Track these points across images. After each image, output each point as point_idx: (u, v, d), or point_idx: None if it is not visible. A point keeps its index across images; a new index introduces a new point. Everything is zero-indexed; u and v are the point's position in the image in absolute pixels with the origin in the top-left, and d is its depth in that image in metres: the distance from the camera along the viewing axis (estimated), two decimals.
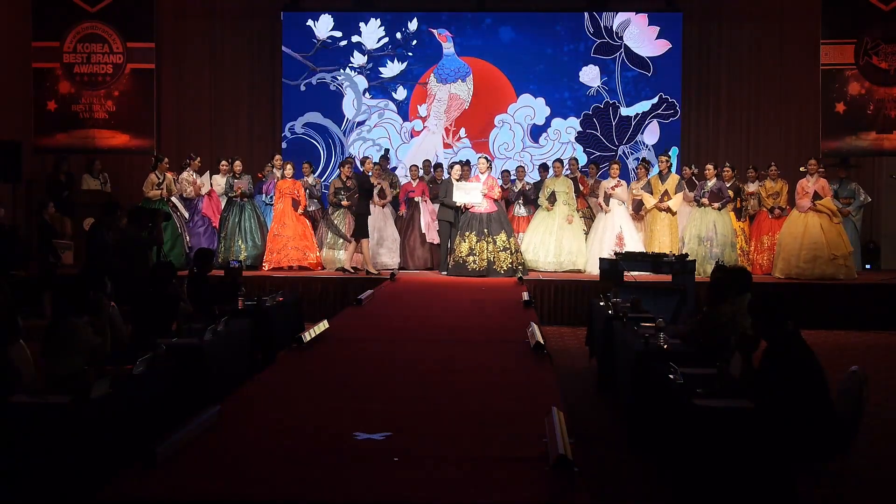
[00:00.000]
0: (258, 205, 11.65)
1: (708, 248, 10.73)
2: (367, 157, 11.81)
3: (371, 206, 11.34)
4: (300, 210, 11.24)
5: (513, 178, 12.37)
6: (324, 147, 14.01)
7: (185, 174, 11.53)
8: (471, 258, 10.79)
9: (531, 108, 14.03)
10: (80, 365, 4.55)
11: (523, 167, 12.47)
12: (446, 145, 14.01)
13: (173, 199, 11.33)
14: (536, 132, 14.04)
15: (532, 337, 5.78)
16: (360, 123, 14.08)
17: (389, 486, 3.11)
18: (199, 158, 11.72)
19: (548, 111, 14.00)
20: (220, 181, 11.56)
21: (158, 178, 11.24)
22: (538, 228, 11.38)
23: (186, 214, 11.46)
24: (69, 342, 4.75)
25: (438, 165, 12.58)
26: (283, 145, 13.85)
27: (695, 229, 10.91)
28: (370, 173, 11.29)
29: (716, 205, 10.80)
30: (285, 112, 14.10)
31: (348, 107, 14.07)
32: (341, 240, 11.26)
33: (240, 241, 11.18)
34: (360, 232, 10.74)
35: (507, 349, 5.76)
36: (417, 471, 3.26)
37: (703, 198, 10.87)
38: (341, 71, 14.04)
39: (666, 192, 11.05)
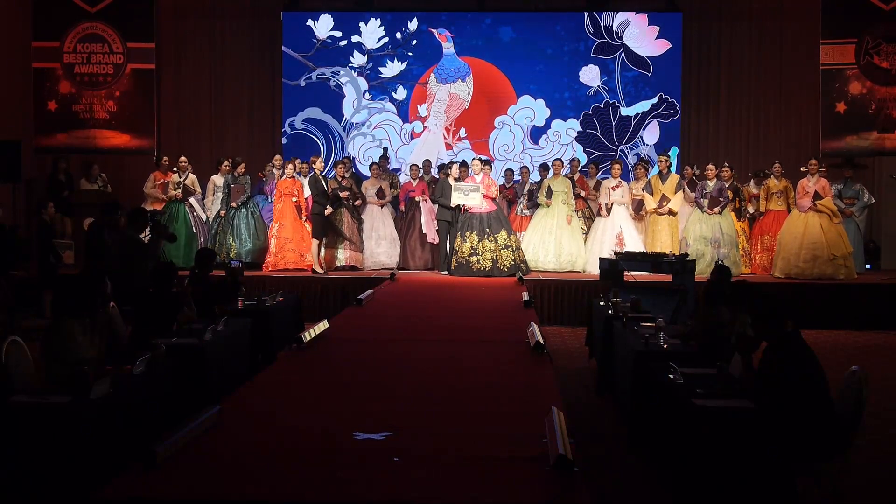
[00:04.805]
0: (256, 202, 11.62)
1: (716, 249, 10.72)
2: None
3: (369, 206, 11.47)
4: (304, 217, 11.17)
5: (517, 177, 12.37)
6: (324, 143, 14.00)
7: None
8: (474, 258, 10.78)
9: (531, 109, 14.02)
10: (79, 365, 4.55)
11: (527, 167, 12.45)
12: (448, 146, 14.00)
13: (191, 199, 11.35)
14: (536, 134, 14.04)
15: (532, 337, 5.77)
16: (360, 124, 14.09)
17: (389, 486, 3.11)
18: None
19: (548, 112, 13.99)
20: (218, 182, 11.52)
21: (182, 178, 11.33)
22: (537, 228, 11.37)
23: (203, 216, 11.47)
24: (68, 342, 4.74)
25: (446, 166, 12.39)
26: (283, 140, 13.86)
27: (699, 231, 10.88)
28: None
29: (716, 209, 10.79)
30: (285, 108, 14.10)
31: (347, 107, 14.08)
32: (341, 238, 11.26)
33: (231, 239, 11.16)
34: (316, 232, 10.83)
35: (507, 349, 5.76)
36: (417, 471, 3.26)
37: (705, 203, 10.84)
38: (341, 70, 14.04)
39: (664, 196, 11.03)
